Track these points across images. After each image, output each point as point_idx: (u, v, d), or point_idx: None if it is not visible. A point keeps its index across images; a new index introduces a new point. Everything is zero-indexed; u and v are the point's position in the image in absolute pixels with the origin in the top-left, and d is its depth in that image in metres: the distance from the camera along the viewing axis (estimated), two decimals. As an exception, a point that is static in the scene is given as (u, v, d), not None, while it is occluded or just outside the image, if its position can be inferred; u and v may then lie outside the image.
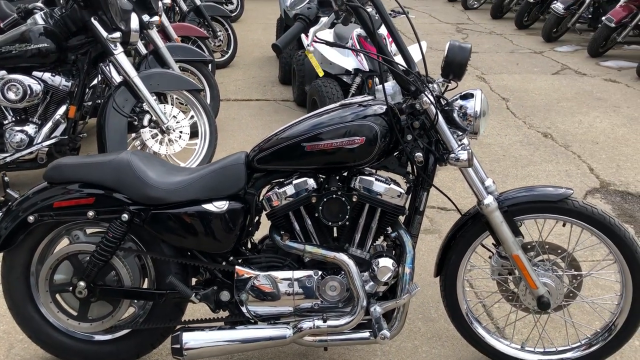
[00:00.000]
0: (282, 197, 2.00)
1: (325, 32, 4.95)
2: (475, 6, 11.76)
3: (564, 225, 2.10)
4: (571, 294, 2.17)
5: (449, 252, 2.17)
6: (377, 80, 4.46)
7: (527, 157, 4.45)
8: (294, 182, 1.99)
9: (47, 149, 3.57)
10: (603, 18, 7.26)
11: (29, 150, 3.52)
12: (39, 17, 3.53)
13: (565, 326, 2.46)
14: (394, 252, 2.10)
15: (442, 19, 10.65)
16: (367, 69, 4.46)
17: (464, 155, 1.93)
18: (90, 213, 2.03)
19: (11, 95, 3.46)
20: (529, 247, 2.14)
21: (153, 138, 3.79)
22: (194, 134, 4.02)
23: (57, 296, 2.15)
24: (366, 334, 2.05)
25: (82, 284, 2.06)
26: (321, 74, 4.73)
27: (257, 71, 6.97)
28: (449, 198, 2.17)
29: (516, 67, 7.10)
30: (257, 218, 2.14)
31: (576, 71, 6.92)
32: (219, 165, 2.06)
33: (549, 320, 2.37)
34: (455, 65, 1.94)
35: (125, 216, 2.01)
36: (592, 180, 4.04)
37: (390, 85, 4.17)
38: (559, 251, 2.16)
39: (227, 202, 2.02)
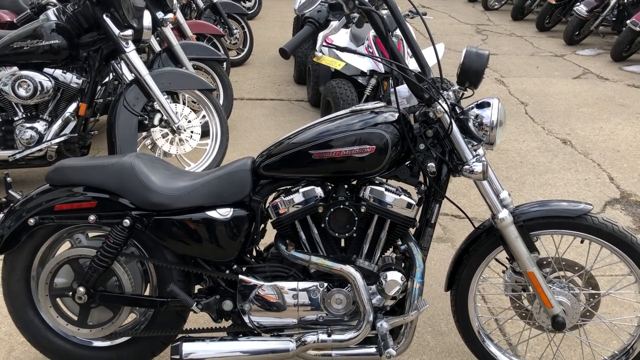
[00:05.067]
0: (288, 205, 1.93)
1: (342, 32, 4.87)
2: (496, 7, 11.62)
3: (582, 241, 2.01)
4: (588, 313, 2.08)
5: (460, 266, 2.09)
6: (392, 82, 4.36)
7: (545, 164, 4.33)
8: (301, 190, 1.92)
9: (56, 146, 3.55)
10: (628, 21, 7.10)
11: (38, 148, 3.50)
12: (51, 13, 3.50)
13: (582, 346, 2.36)
14: (403, 265, 2.02)
15: (461, 19, 10.51)
16: (383, 71, 4.38)
17: (478, 168, 1.84)
18: (92, 217, 1.98)
19: (22, 91, 3.44)
20: (544, 262, 2.05)
21: (164, 137, 3.75)
22: (205, 133, 3.98)
23: (58, 300, 2.10)
24: (372, 350, 1.98)
25: (81, 289, 2.01)
26: (340, 66, 4.57)
27: (273, 70, 6.92)
28: (462, 211, 2.09)
29: (536, 71, 6.96)
30: (262, 226, 2.07)
31: (598, 76, 6.77)
32: (224, 171, 2.00)
33: (564, 338, 2.28)
34: (471, 73, 1.85)
35: (126, 222, 1.96)
36: (612, 190, 3.92)
37: (406, 87, 4.06)
38: (576, 268, 2.07)
39: (232, 209, 1.96)
